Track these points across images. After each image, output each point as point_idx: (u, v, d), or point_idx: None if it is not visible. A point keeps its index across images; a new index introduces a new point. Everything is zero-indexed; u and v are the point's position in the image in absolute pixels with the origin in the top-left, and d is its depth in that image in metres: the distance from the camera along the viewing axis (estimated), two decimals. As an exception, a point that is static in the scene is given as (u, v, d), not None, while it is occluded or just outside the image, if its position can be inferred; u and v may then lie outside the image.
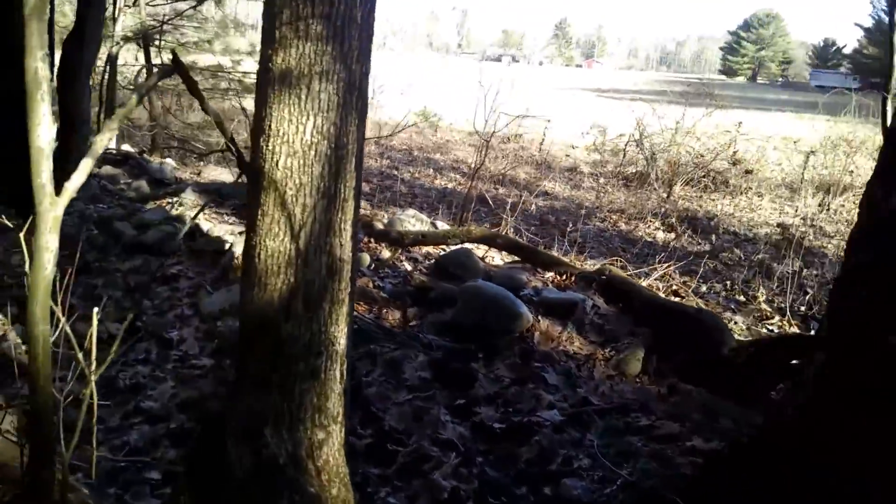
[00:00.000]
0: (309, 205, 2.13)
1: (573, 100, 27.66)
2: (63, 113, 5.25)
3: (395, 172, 9.96)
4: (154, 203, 5.32)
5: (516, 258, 5.05)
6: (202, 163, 7.08)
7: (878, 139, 11.00)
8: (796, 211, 8.76)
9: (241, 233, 4.84)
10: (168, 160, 6.90)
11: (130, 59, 9.05)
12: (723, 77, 75.54)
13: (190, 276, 4.40)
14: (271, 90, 2.10)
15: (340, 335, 2.26)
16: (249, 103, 10.05)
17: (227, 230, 4.82)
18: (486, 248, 5.24)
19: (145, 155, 6.64)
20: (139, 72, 8.22)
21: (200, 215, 5.00)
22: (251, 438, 2.17)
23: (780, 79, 73.69)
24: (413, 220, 5.49)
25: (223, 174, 6.57)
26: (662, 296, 4.43)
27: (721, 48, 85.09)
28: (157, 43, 8.07)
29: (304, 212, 2.12)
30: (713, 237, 7.35)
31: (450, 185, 9.48)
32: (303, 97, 2.09)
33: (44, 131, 1.71)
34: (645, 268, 5.18)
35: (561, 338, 3.38)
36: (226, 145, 2.73)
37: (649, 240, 7.20)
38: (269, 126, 2.11)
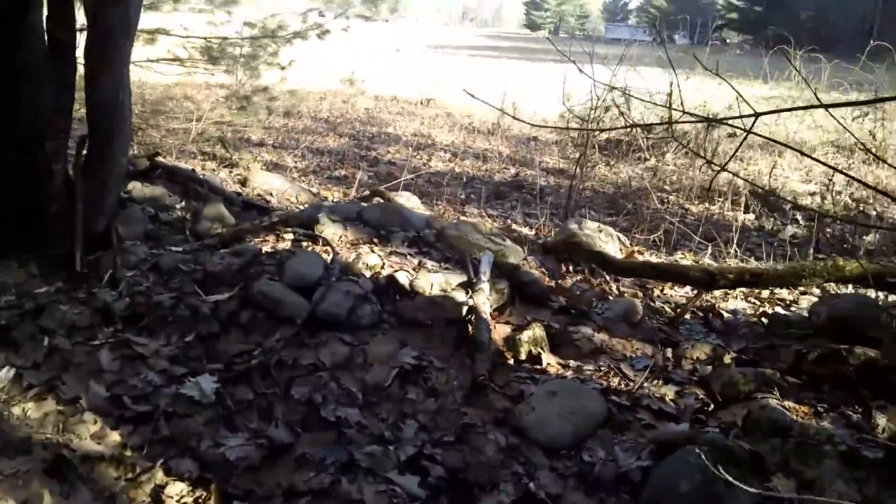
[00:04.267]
0: None
1: (430, 60, 26.25)
2: (93, 115, 3.20)
3: (373, 154, 8.29)
4: (262, 240, 3.47)
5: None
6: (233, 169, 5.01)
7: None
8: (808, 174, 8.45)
9: (462, 284, 3.25)
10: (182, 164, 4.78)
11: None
12: (527, 31, 78.51)
13: (437, 366, 2.81)
14: None
15: None
16: (211, 78, 7.69)
17: (439, 283, 3.19)
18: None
19: (179, 162, 4.45)
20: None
21: (383, 261, 3.31)
22: None
23: (579, 32, 77.92)
24: (602, 235, 4.16)
25: (273, 179, 4.65)
26: None
27: (525, 3, 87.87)
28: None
29: None
30: (787, 215, 6.76)
31: (460, 170, 8.00)
32: None
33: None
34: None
35: None
36: None
37: (734, 223, 6.44)
38: None
